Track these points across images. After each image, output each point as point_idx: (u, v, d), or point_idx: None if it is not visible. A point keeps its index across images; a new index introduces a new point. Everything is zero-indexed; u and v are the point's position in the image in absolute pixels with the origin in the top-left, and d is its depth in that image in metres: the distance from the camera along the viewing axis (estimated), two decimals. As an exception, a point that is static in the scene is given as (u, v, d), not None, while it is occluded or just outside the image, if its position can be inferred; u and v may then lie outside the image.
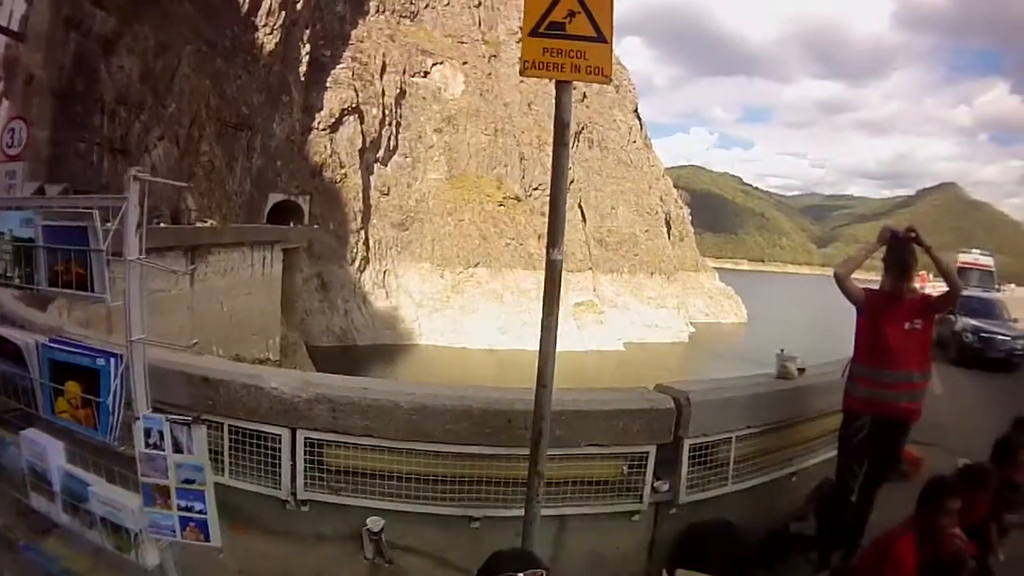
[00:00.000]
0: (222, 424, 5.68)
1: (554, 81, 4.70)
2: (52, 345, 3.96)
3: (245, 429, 5.68)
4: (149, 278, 3.79)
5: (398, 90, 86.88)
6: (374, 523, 5.49)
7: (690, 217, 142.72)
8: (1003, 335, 20.95)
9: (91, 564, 4.10)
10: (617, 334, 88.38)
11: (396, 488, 5.62)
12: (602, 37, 4.58)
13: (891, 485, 6.57)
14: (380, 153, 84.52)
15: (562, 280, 4.82)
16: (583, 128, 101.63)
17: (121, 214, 3.54)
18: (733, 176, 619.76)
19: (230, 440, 5.71)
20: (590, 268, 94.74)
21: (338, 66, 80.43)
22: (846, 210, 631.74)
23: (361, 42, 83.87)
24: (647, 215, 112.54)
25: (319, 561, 5.55)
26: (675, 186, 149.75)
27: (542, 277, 4.78)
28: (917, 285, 6.77)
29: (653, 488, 6.08)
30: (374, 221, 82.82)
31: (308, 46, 75.87)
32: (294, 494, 5.66)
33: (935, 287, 8.28)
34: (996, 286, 39.32)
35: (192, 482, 3.62)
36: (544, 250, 4.95)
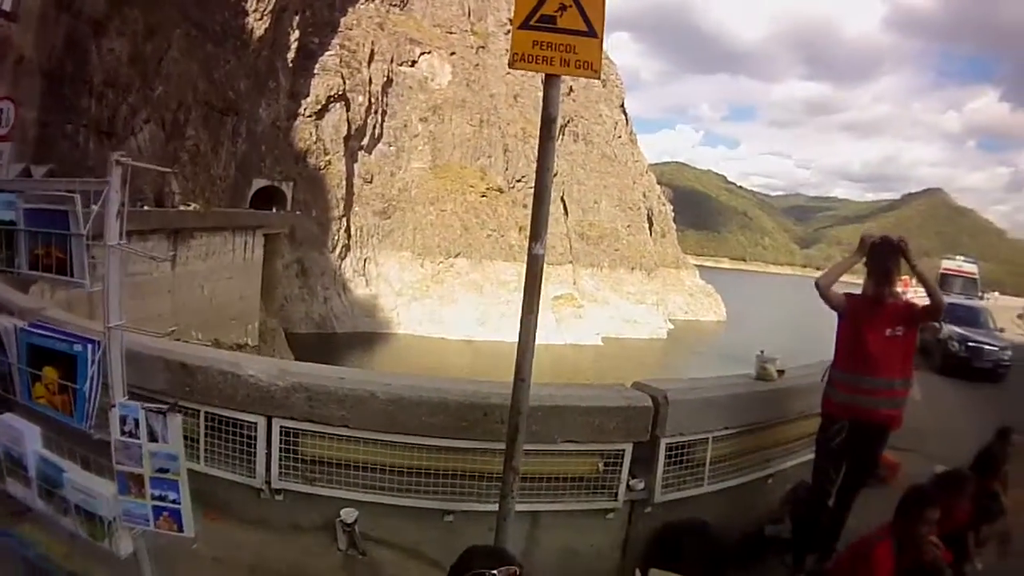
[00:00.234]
0: (198, 411, 5.63)
1: (543, 74, 4.68)
2: (31, 330, 3.93)
3: (221, 416, 5.63)
4: (130, 262, 3.77)
5: (385, 78, 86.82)
6: (348, 514, 5.46)
7: (672, 214, 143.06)
8: (990, 345, 20.90)
9: (67, 550, 4.08)
10: (595, 328, 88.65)
11: (371, 479, 5.59)
12: (593, 31, 4.55)
13: (868, 490, 6.54)
14: (365, 141, 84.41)
15: (543, 274, 4.80)
16: (568, 121, 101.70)
17: (102, 198, 3.50)
18: (717, 174, 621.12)
19: (206, 427, 5.66)
20: (570, 262, 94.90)
21: (326, 53, 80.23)
22: (830, 212, 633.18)
23: (350, 30, 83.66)
24: (629, 210, 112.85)
25: (293, 551, 5.51)
26: (659, 182, 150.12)
27: (522, 269, 4.75)
28: (900, 290, 6.71)
29: (628, 486, 6.05)
30: (356, 209, 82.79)
31: (297, 32, 75.62)
32: (268, 483, 5.62)
33: (918, 292, 8.24)
34: (979, 293, 39.44)
35: (166, 471, 3.59)
36: (525, 242, 4.92)
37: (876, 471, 7.00)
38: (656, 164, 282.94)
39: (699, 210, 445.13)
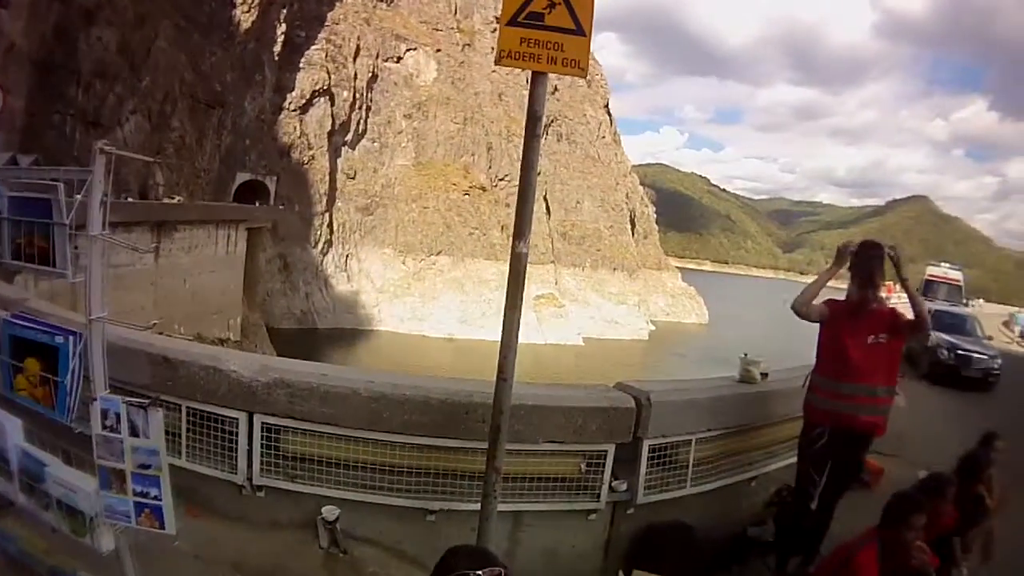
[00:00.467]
0: (180, 406, 5.59)
1: (529, 72, 4.66)
2: (13, 321, 3.89)
3: (203, 411, 5.59)
4: (113, 253, 3.72)
5: (370, 74, 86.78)
6: (329, 512, 5.44)
7: (655, 215, 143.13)
8: (980, 354, 20.88)
9: (48, 545, 4.03)
10: (577, 328, 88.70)
11: (352, 477, 5.57)
12: (581, 30, 4.53)
13: (852, 494, 6.56)
14: (349, 136, 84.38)
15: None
16: (552, 121, 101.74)
17: (86, 188, 3.47)
18: (701, 176, 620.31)
19: (188, 422, 5.63)
20: (552, 261, 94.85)
21: (312, 47, 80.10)
22: (814, 217, 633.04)
23: (336, 24, 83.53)
24: (612, 211, 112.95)
25: (274, 548, 5.48)
26: (642, 184, 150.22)
27: (504, 267, 4.75)
28: (884, 295, 6.67)
29: (611, 487, 6.04)
30: (339, 204, 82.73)
31: (284, 26, 75.55)
32: (250, 479, 5.59)
33: (902, 299, 8.21)
34: (964, 300, 39.48)
35: (148, 467, 3.56)
36: (506, 240, 4.88)
37: (859, 476, 7.01)
38: (640, 165, 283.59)
39: (682, 212, 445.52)
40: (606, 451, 5.97)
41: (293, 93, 77.31)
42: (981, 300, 76.50)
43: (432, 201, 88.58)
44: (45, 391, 3.73)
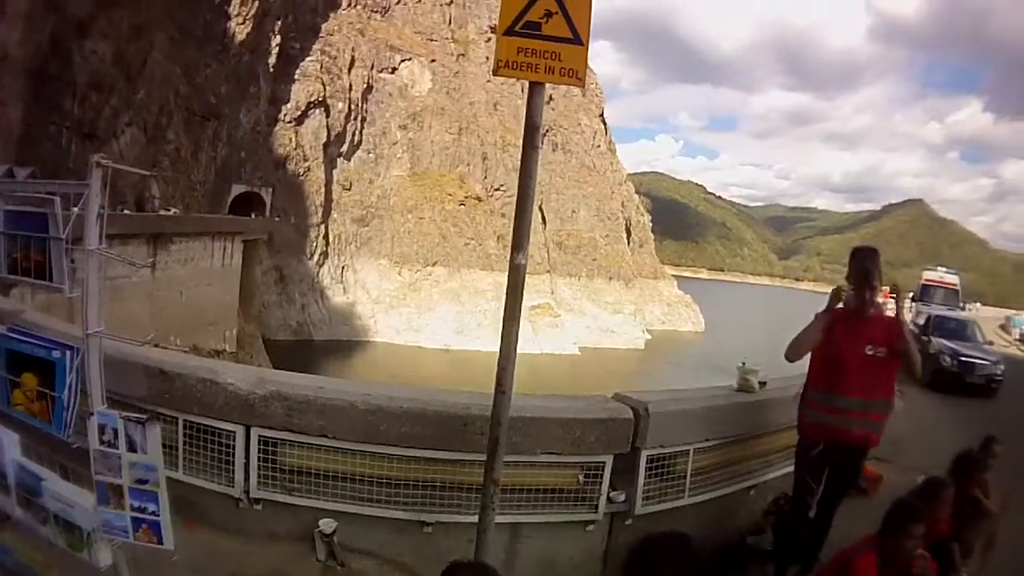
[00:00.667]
0: (177, 419, 5.60)
1: (525, 82, 4.65)
2: (9, 335, 3.88)
3: (200, 424, 5.59)
4: (109, 265, 3.72)
5: (365, 85, 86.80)
6: (327, 525, 5.43)
7: (651, 224, 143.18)
8: (983, 360, 20.72)
9: (46, 559, 4.02)
10: (572, 338, 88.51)
11: (350, 490, 5.56)
12: (578, 39, 4.54)
13: (851, 501, 6.55)
14: (344, 148, 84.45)
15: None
16: (548, 130, 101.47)
17: (82, 202, 3.46)
18: (697, 184, 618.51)
19: (185, 435, 5.62)
20: (548, 271, 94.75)
21: (307, 59, 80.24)
22: (809, 223, 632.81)
23: (331, 35, 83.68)
24: (607, 220, 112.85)
25: (271, 561, 5.47)
26: (638, 192, 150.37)
27: (499, 278, 4.74)
28: (880, 301, 6.62)
29: (609, 498, 6.03)
30: (335, 216, 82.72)
31: (279, 37, 75.64)
32: (247, 492, 5.57)
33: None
34: (961, 304, 39.48)
35: (145, 482, 3.55)
36: (502, 251, 4.86)
37: (856, 485, 6.98)
38: (635, 174, 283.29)
39: (678, 220, 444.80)
40: (604, 462, 5.96)
41: (288, 105, 77.36)
42: (978, 304, 76.53)
43: (428, 212, 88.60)
44: (42, 406, 3.72)
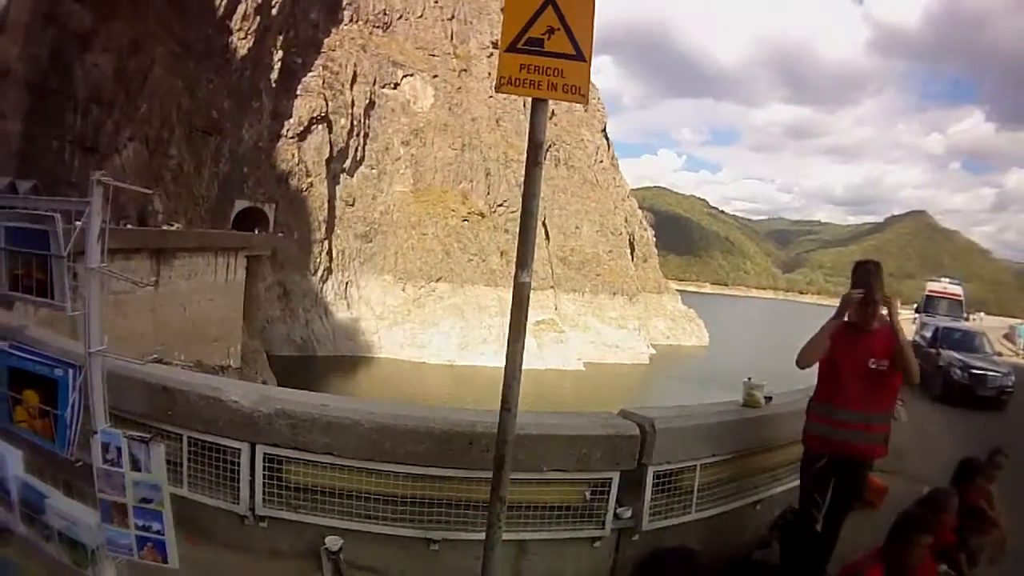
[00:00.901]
0: (181, 436, 5.59)
1: (528, 99, 4.64)
2: (11, 351, 3.86)
3: (204, 441, 5.58)
4: (112, 280, 3.71)
5: (367, 101, 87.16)
6: (332, 542, 5.41)
7: (654, 239, 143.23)
8: (994, 372, 20.40)
9: (50, 574, 4.00)
10: (577, 353, 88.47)
11: (355, 507, 5.55)
12: (581, 55, 4.51)
13: (857, 513, 6.51)
14: (347, 163, 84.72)
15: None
16: (551, 146, 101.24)
17: (84, 219, 3.45)
18: (699, 199, 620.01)
19: (189, 452, 5.60)
20: (552, 287, 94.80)
21: (309, 74, 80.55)
22: (812, 236, 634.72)
23: (333, 51, 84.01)
24: (611, 235, 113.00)
25: (276, 579, 5.42)
26: (641, 207, 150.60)
27: (503, 294, 4.75)
28: (884, 313, 6.59)
29: (616, 514, 6.00)
30: (338, 231, 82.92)
31: (280, 52, 76.05)
32: (252, 509, 5.56)
33: (902, 315, 8.03)
34: (964, 314, 39.39)
35: (150, 501, 3.53)
36: (506, 266, 4.84)
37: (861, 498, 6.95)
38: (638, 189, 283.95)
39: (681, 235, 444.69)
40: (611, 479, 5.94)
41: (291, 120, 77.61)
42: (982, 313, 76.32)
43: (431, 228, 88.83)
44: (45, 423, 3.71)
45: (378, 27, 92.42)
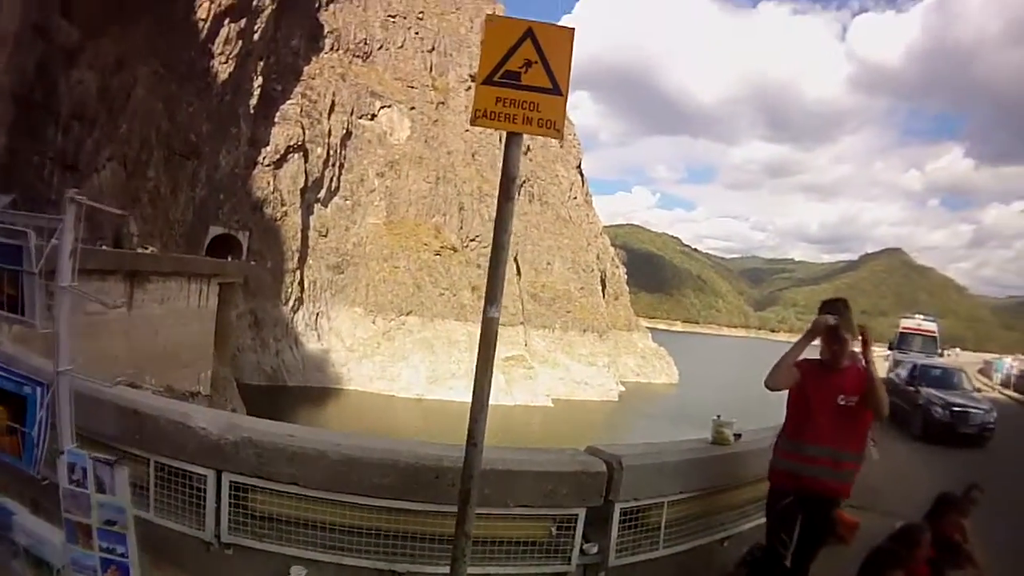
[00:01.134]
0: (148, 460, 5.57)
1: (503, 132, 4.66)
2: (-21, 367, 3.85)
3: (171, 467, 5.57)
4: (85, 301, 3.72)
5: (344, 131, 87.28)
6: (297, 572, 5.39)
7: (626, 276, 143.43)
8: (976, 409, 20.26)
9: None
10: (546, 389, 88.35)
11: (321, 538, 5.54)
12: (557, 89, 4.55)
13: (828, 549, 6.48)
14: (321, 193, 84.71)
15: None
16: (525, 181, 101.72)
17: (55, 236, 3.44)
18: (672, 237, 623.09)
19: (156, 476, 5.59)
20: (522, 323, 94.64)
21: (288, 102, 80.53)
22: (785, 274, 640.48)
23: (312, 79, 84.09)
24: (583, 272, 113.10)
25: (240, 607, 5.40)
26: (613, 244, 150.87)
27: (473, 329, 4.74)
28: (856, 351, 6.59)
29: (582, 550, 6.00)
30: (310, 262, 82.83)
31: (260, 78, 76.09)
32: (218, 536, 5.53)
33: (875, 352, 8.00)
34: (939, 351, 39.83)
35: (114, 523, 3.52)
36: (477, 302, 4.85)
37: (832, 534, 6.95)
38: (611, 226, 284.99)
39: (653, 273, 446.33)
40: (577, 515, 5.95)
41: (268, 148, 77.56)
42: (957, 349, 76.86)
43: (403, 261, 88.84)
44: (12, 440, 3.70)
45: (358, 56, 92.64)
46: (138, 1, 54.22)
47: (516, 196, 4.80)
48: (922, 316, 43.57)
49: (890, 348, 38.53)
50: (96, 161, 49.12)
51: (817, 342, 6.32)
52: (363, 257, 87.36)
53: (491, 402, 4.71)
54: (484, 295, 4.67)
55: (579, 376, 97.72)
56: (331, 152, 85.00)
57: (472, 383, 4.66)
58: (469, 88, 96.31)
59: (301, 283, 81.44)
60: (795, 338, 6.55)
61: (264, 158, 77.27)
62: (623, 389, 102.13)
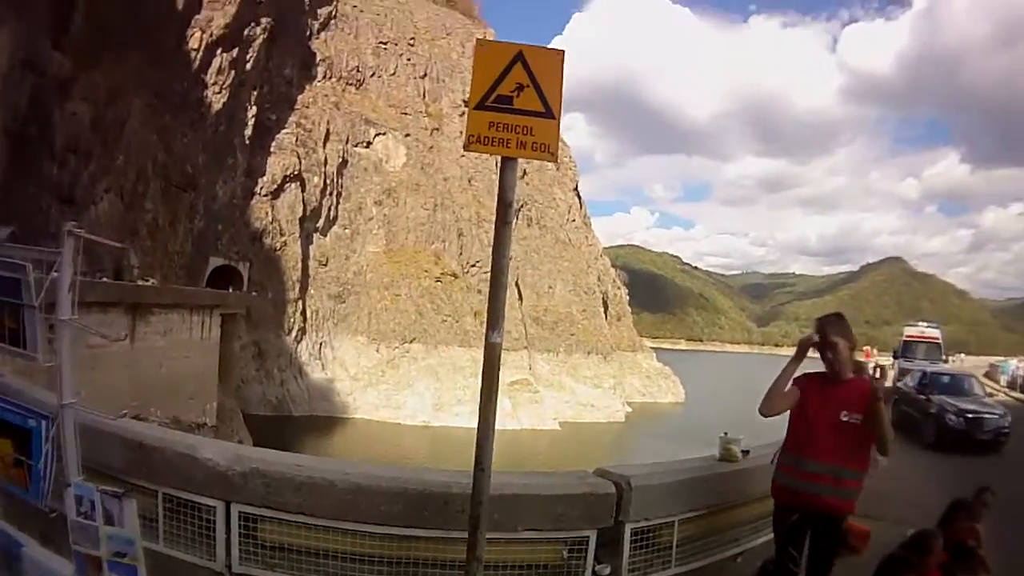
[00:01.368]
0: (156, 492, 5.54)
1: (498, 157, 4.64)
2: (-15, 399, 3.84)
3: (180, 498, 5.54)
4: (86, 334, 3.71)
5: (340, 159, 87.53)
6: (307, 600, 5.34)
7: (628, 297, 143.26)
8: (990, 414, 20.12)
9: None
10: (552, 413, 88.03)
11: (331, 567, 5.48)
12: (550, 113, 4.56)
13: (840, 559, 6.41)
14: (320, 223, 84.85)
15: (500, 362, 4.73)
16: (522, 205, 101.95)
17: (54, 269, 3.43)
18: (672, 256, 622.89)
19: (165, 508, 5.57)
20: (526, 347, 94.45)
21: (283, 131, 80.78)
22: (787, 288, 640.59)
23: (307, 107, 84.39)
24: (584, 295, 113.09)
25: (252, 638, 5.37)
26: (614, 265, 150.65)
27: (477, 354, 4.73)
28: (861, 359, 6.51)
29: (594, 572, 5.96)
30: (312, 292, 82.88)
31: (255, 108, 76.39)
32: (229, 567, 5.49)
33: (879, 361, 7.92)
34: (944, 357, 39.89)
35: (124, 555, 3.50)
36: (479, 327, 4.83)
37: (846, 545, 6.87)
38: (611, 247, 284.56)
39: (655, 292, 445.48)
40: (588, 536, 5.93)
41: (264, 178, 77.75)
42: (962, 354, 76.64)
43: (404, 288, 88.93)
44: (19, 472, 3.70)
45: (351, 84, 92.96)
46: (129, 31, 54.50)
47: (513, 220, 4.77)
48: (925, 323, 43.61)
49: (895, 356, 38.58)
50: (93, 193, 49.25)
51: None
52: (364, 285, 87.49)
53: (498, 427, 4.70)
54: (486, 320, 4.66)
55: (585, 398, 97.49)
56: (328, 181, 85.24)
57: (478, 409, 4.64)
58: (463, 114, 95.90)
59: (303, 313, 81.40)
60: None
61: (261, 188, 77.45)
62: (629, 410, 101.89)
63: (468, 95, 4.66)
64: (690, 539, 6.64)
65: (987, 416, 19.98)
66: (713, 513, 6.88)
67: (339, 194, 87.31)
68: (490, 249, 4.77)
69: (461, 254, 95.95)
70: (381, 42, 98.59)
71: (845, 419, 5.90)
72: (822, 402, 6.05)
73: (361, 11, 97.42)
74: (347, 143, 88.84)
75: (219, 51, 69.75)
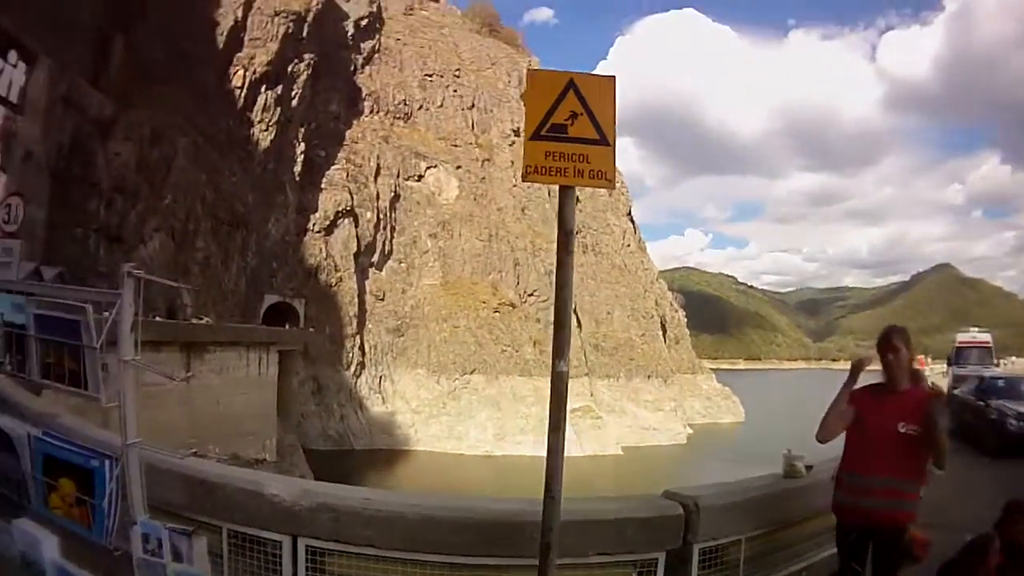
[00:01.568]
0: (221, 528, 5.57)
1: (555, 186, 4.69)
2: (45, 439, 3.91)
3: (245, 534, 5.57)
4: (142, 374, 3.74)
5: (392, 193, 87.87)
6: (377, 632, 5.37)
7: (685, 319, 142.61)
8: None
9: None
10: (615, 438, 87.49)
11: (401, 599, 5.47)
12: (605, 139, 4.60)
13: (904, 570, 6.39)
14: (375, 257, 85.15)
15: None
16: (577, 232, 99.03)
17: (115, 310, 3.49)
18: (728, 276, 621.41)
19: (230, 544, 5.59)
20: (586, 374, 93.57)
21: (332, 167, 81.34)
22: (840, 302, 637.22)
23: (355, 143, 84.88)
24: (642, 319, 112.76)
25: (324, 673, 5.39)
26: (670, 288, 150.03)
27: (538, 383, 4.75)
28: (916, 367, 6.48)
29: (664, 592, 5.92)
30: (369, 326, 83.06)
31: (303, 145, 76.87)
32: (298, 601, 5.49)
33: (933, 370, 7.85)
34: (995, 361, 39.88)
35: (193, 593, 3.53)
36: (539, 356, 4.84)
37: (908, 557, 6.82)
38: (666, 270, 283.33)
39: (712, 314, 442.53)
40: (657, 558, 5.91)
41: (316, 214, 78.18)
42: (1013, 357, 75.69)
43: (462, 320, 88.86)
44: (82, 511, 3.75)
45: (399, 118, 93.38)
46: (169, 70, 55.26)
47: (575, 250, 4.80)
48: (976, 329, 44.16)
49: (948, 364, 38.61)
50: (142, 233, 49.75)
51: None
52: (422, 319, 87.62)
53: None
54: (551, 350, 4.68)
55: (646, 422, 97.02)
56: (381, 215, 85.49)
57: (540, 437, 4.68)
58: (513, 143, 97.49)
59: (362, 347, 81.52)
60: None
61: (314, 224, 77.84)
62: (691, 431, 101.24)
63: (517, 124, 4.72)
64: (757, 557, 6.61)
65: None
66: (779, 530, 6.87)
67: (393, 228, 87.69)
68: (547, 278, 4.82)
69: (518, 284, 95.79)
70: (427, 74, 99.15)
71: (903, 430, 5.86)
72: (879, 414, 6.02)
73: (405, 44, 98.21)
74: (398, 177, 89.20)
75: (263, 88, 70.55)
